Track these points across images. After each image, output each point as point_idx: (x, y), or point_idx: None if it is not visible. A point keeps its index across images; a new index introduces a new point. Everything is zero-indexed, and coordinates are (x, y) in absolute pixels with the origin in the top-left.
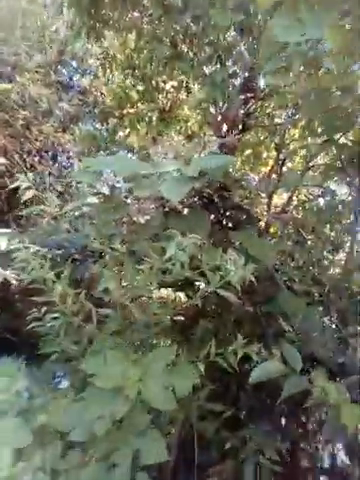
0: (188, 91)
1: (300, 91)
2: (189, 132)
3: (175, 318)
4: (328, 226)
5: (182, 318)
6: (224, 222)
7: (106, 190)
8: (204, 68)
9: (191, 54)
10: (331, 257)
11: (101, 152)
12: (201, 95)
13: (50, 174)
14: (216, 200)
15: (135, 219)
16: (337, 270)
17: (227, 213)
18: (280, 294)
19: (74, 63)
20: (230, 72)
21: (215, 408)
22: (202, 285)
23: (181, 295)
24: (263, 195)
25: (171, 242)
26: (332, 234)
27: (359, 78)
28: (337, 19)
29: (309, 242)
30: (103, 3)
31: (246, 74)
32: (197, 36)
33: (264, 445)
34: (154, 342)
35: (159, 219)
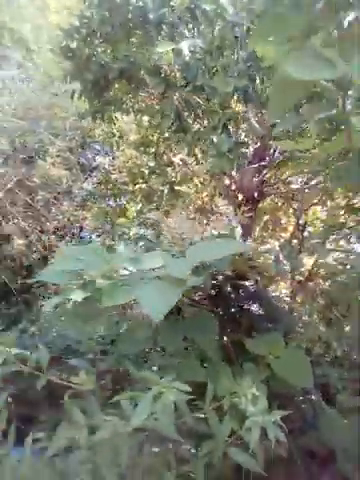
0: (197, 162)
1: (320, 156)
2: (199, 203)
3: None
4: None
5: None
6: (239, 319)
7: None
8: (211, 138)
9: (197, 126)
10: None
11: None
12: (208, 166)
13: None
14: (228, 290)
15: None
16: None
17: (243, 307)
18: (320, 417)
19: (97, 146)
20: (239, 140)
21: None
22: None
23: None
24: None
25: (148, 394)
26: None
27: None
28: None
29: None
30: (112, 88)
31: (257, 143)
32: (200, 107)
33: None
34: None
35: (145, 329)
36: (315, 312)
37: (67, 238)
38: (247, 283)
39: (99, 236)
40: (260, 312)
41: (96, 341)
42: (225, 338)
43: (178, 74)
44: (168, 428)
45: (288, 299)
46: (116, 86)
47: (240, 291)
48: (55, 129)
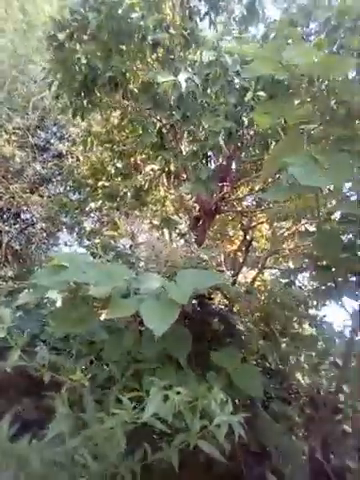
0: (168, 175)
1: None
2: (164, 215)
3: None
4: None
5: None
6: (204, 334)
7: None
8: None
9: (176, 145)
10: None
11: (67, 218)
12: (186, 189)
13: (8, 233)
14: (198, 309)
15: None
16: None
17: (209, 323)
18: (259, 422)
19: (54, 128)
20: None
21: None
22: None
23: None
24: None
25: (155, 394)
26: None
27: None
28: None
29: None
30: (94, 87)
31: (223, 162)
32: (184, 132)
33: None
34: None
35: (132, 339)
36: (253, 325)
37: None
38: (210, 302)
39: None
40: (221, 327)
41: (77, 341)
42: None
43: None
44: (161, 423)
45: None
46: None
47: (206, 309)
48: (15, 105)
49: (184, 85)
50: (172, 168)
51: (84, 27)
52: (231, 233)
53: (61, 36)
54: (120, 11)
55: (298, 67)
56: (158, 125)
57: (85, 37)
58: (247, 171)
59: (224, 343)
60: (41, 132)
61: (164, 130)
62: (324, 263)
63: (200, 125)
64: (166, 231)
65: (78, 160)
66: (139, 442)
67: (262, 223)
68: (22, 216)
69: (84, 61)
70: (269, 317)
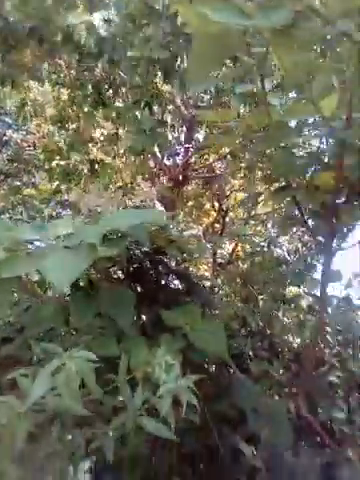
0: (118, 139)
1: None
2: (121, 183)
3: None
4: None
5: None
6: (157, 295)
7: None
8: (134, 114)
9: (119, 101)
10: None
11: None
12: (128, 142)
13: None
14: (147, 266)
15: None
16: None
17: (162, 282)
18: (234, 385)
19: (8, 119)
20: (163, 120)
21: None
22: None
23: None
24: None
25: (46, 366)
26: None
27: None
28: None
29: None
30: (20, 50)
31: (184, 126)
32: (121, 81)
33: None
34: None
35: (54, 305)
36: (234, 291)
37: None
38: (166, 259)
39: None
40: (178, 287)
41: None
42: (142, 314)
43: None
44: (72, 404)
45: (209, 281)
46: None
47: (159, 267)
48: None
49: (101, 24)
50: (121, 132)
51: None
52: (207, 206)
53: None
54: None
55: None
56: (94, 79)
57: None
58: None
59: (182, 303)
60: None
61: (102, 85)
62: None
63: (135, 69)
64: (125, 201)
65: (35, 148)
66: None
67: (237, 191)
68: None
69: None
70: (248, 280)
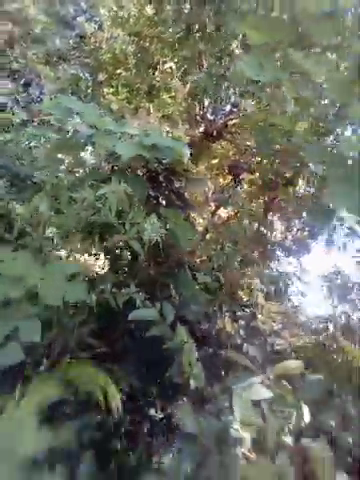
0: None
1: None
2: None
3: None
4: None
5: None
6: (161, 200)
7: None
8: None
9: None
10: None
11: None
12: (194, 82)
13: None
14: (161, 179)
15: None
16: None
17: (166, 192)
18: (182, 273)
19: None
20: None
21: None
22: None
23: None
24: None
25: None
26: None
27: None
28: None
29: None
30: None
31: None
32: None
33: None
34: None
35: (104, 170)
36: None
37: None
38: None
39: None
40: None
41: None
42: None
43: None
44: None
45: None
46: None
47: (168, 182)
48: None
49: None
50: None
51: None
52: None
53: None
54: None
55: None
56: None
57: None
58: None
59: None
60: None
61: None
62: None
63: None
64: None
65: (100, 46)
66: None
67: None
68: (30, 90)
69: None
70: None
